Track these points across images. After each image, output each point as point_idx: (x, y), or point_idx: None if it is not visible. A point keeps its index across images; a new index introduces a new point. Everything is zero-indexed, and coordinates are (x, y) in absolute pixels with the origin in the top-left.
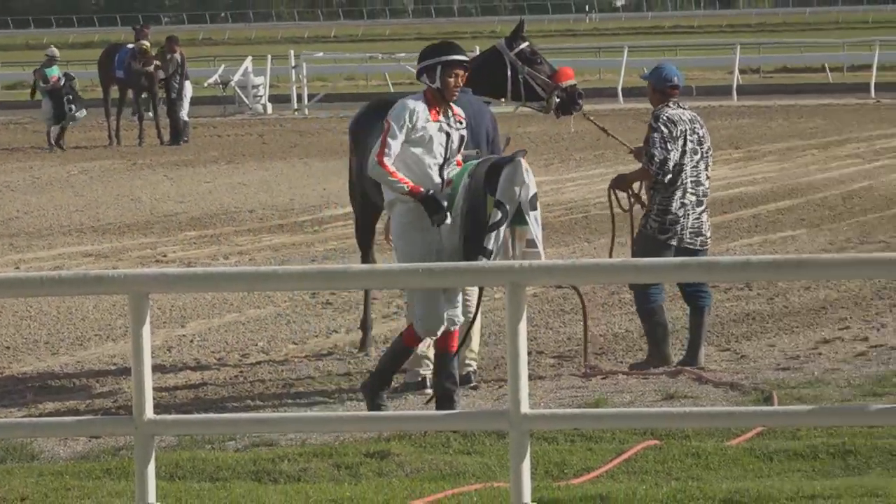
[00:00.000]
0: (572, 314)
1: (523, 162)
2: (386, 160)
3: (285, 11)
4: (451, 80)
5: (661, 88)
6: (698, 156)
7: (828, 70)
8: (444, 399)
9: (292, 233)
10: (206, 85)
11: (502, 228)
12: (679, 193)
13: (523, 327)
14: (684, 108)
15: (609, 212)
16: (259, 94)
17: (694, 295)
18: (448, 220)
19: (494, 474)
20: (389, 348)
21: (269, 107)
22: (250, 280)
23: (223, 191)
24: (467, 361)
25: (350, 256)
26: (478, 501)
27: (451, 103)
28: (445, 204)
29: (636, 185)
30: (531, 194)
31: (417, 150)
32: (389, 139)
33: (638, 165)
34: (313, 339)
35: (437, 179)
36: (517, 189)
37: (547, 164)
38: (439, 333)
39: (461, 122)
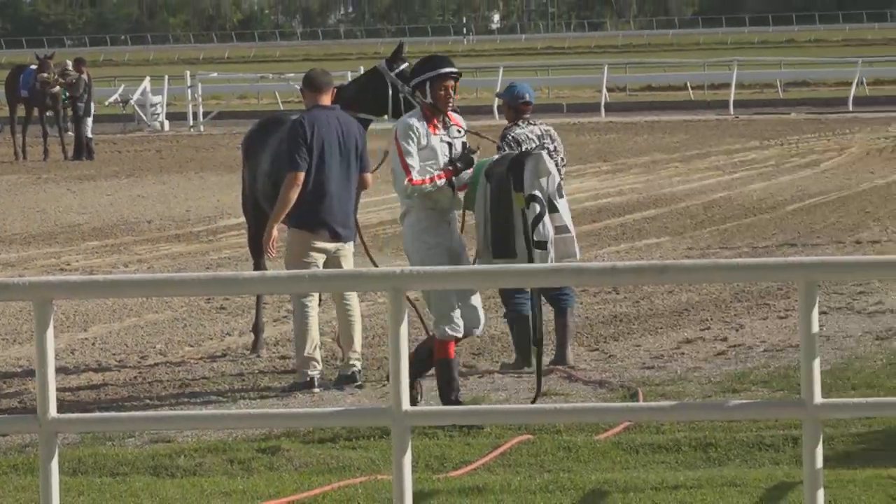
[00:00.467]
0: None
1: (544, 154)
2: (415, 177)
3: (182, 34)
4: (443, 92)
5: (513, 105)
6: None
7: (689, 88)
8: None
9: (188, 242)
10: (106, 104)
11: (546, 218)
12: None
13: (405, 329)
14: (535, 125)
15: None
16: (157, 111)
17: (557, 298)
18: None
19: (378, 468)
20: (437, 373)
21: (167, 124)
22: (149, 287)
23: (123, 203)
24: (351, 362)
25: (243, 264)
26: (362, 493)
27: (450, 112)
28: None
29: None
30: (557, 183)
31: (424, 163)
32: (408, 160)
33: None
34: (208, 342)
35: (448, 188)
36: (544, 180)
37: None
38: (460, 336)
39: (460, 130)
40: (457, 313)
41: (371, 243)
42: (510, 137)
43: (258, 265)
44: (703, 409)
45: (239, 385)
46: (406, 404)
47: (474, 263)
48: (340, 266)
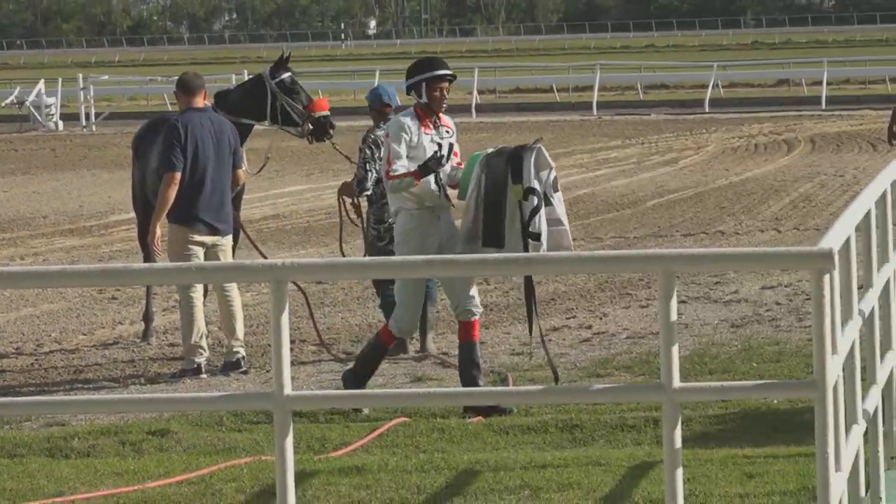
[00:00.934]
0: (332, 307)
1: (542, 147)
2: (392, 174)
3: (75, 39)
4: (437, 93)
5: (376, 107)
6: None
7: (555, 90)
8: (471, 386)
9: (82, 236)
10: (3, 105)
11: (542, 211)
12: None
13: (286, 318)
14: None
15: (341, 216)
16: (51, 112)
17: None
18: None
19: (262, 449)
20: (368, 345)
21: (61, 124)
22: (44, 278)
23: (19, 199)
24: (235, 349)
25: (133, 257)
26: (247, 473)
27: (440, 114)
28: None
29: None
30: (553, 177)
31: (412, 162)
32: (393, 158)
33: None
34: (100, 330)
35: (434, 186)
36: (543, 173)
37: (308, 174)
38: (413, 335)
39: (449, 131)
40: (414, 314)
41: (255, 237)
42: (371, 139)
43: (147, 258)
44: (568, 392)
45: (130, 371)
46: (288, 389)
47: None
48: (219, 258)
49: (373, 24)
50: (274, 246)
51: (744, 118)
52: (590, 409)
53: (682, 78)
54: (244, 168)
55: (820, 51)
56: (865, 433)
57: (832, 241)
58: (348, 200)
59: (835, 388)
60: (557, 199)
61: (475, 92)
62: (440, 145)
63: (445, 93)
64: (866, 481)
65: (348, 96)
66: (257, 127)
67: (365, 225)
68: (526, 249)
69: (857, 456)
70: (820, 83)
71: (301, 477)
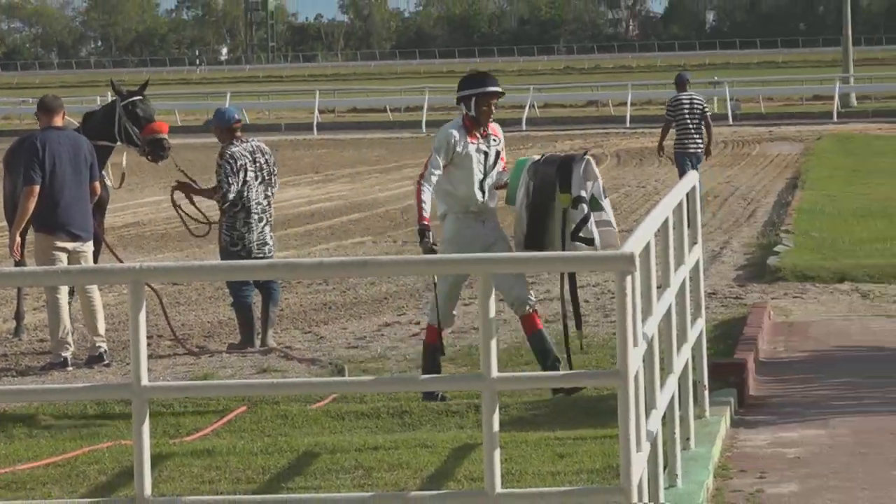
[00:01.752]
0: (186, 306)
1: (591, 159)
2: (424, 184)
3: None
4: (485, 108)
5: (225, 127)
6: (259, 181)
7: (388, 110)
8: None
9: None
10: None
11: (592, 217)
12: (243, 214)
13: (143, 316)
14: (246, 142)
15: (177, 211)
16: None
17: (268, 288)
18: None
19: (123, 434)
20: (423, 354)
21: None
22: None
23: None
24: (98, 344)
25: (6, 262)
26: (108, 456)
27: (489, 122)
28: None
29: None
30: (600, 185)
31: (459, 170)
32: (431, 167)
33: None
34: None
35: (478, 193)
36: (590, 183)
37: (165, 187)
38: (449, 330)
39: (497, 139)
40: (453, 310)
41: (117, 243)
42: (228, 154)
43: (18, 262)
44: (398, 382)
45: (3, 365)
46: (145, 380)
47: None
48: (80, 263)
49: (224, 51)
50: (134, 250)
51: (557, 135)
52: (418, 397)
53: (503, 99)
54: (108, 181)
55: (625, 75)
56: (663, 417)
57: (633, 245)
58: (184, 199)
59: (636, 377)
60: (607, 204)
61: (316, 112)
62: (486, 153)
63: (493, 108)
64: (664, 460)
65: (202, 116)
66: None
67: (218, 230)
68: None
69: (655, 437)
70: (625, 104)
71: (157, 459)
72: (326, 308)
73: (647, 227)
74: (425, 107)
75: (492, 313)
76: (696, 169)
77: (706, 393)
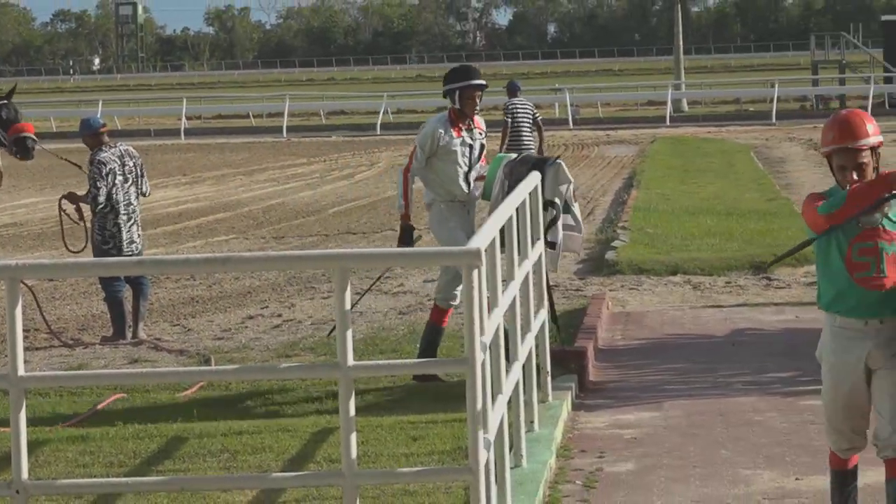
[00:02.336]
0: (61, 300)
1: (562, 163)
2: (410, 174)
3: None
4: (469, 100)
5: (93, 134)
6: (129, 184)
7: (251, 116)
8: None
9: None
10: None
11: (559, 222)
12: (113, 215)
13: (19, 311)
14: (115, 147)
15: (61, 220)
16: None
17: (138, 284)
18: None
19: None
20: (426, 331)
21: None
22: None
23: None
24: None
25: None
26: None
27: (475, 117)
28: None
29: (81, 204)
30: (573, 189)
31: (444, 162)
32: (415, 161)
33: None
34: None
35: (463, 184)
36: (563, 187)
37: (41, 188)
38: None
39: (481, 133)
40: (452, 290)
41: None
42: (97, 161)
43: None
44: (262, 370)
45: None
46: (21, 370)
47: None
48: None
49: (97, 61)
50: (12, 249)
51: (409, 139)
52: (280, 384)
53: (358, 106)
54: None
55: None
56: (509, 402)
57: (480, 241)
58: (71, 206)
59: (483, 365)
60: (576, 208)
61: (184, 118)
62: (471, 146)
63: (477, 100)
64: (510, 442)
65: (76, 122)
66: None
67: (90, 230)
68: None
69: (501, 420)
70: None
71: (34, 445)
72: (193, 302)
73: (491, 224)
74: (286, 113)
75: (347, 306)
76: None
77: (549, 379)
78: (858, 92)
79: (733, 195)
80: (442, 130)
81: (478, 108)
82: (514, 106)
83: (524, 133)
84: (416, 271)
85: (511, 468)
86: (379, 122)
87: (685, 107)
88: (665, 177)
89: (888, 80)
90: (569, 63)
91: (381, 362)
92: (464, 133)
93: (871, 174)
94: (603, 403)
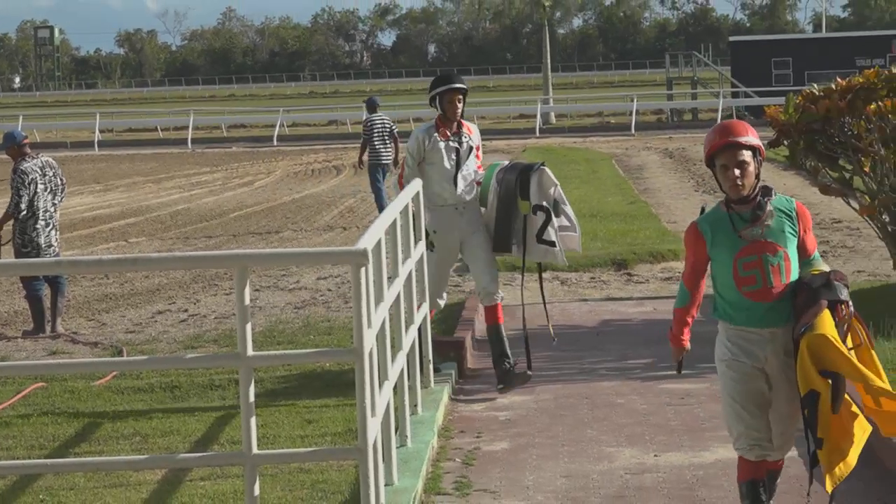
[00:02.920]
0: None
1: (546, 169)
2: (403, 181)
3: None
4: (450, 104)
5: (16, 146)
6: (48, 192)
7: (159, 130)
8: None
9: None
10: None
11: (551, 223)
12: (32, 221)
13: None
14: (36, 158)
15: None
16: None
17: (55, 282)
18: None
19: None
20: (491, 334)
21: None
22: None
23: None
24: None
25: None
26: None
27: (464, 121)
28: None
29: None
30: (559, 192)
31: (431, 166)
32: (406, 166)
33: None
34: None
35: (451, 186)
36: (550, 191)
37: None
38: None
39: (469, 136)
40: (442, 294)
41: None
42: (19, 170)
43: None
44: (169, 360)
45: None
46: None
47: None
48: None
49: (17, 79)
50: None
51: (303, 150)
52: (186, 374)
53: (256, 119)
54: None
55: (360, 97)
56: (394, 387)
57: (366, 242)
58: None
59: (370, 354)
60: (567, 209)
61: (97, 131)
62: (458, 149)
63: (458, 103)
64: (396, 424)
65: None
66: None
67: (12, 235)
68: (524, 255)
69: (388, 405)
70: (360, 122)
71: None
72: (107, 299)
73: (377, 226)
74: (190, 126)
75: (246, 301)
76: (384, 177)
77: (430, 366)
78: (709, 106)
79: (597, 199)
80: (426, 136)
81: (460, 111)
82: (371, 121)
83: (379, 146)
84: (310, 270)
85: (397, 448)
86: (276, 135)
87: (553, 119)
88: None
89: (735, 95)
90: None
91: (277, 353)
92: (450, 136)
93: (752, 180)
94: (480, 388)
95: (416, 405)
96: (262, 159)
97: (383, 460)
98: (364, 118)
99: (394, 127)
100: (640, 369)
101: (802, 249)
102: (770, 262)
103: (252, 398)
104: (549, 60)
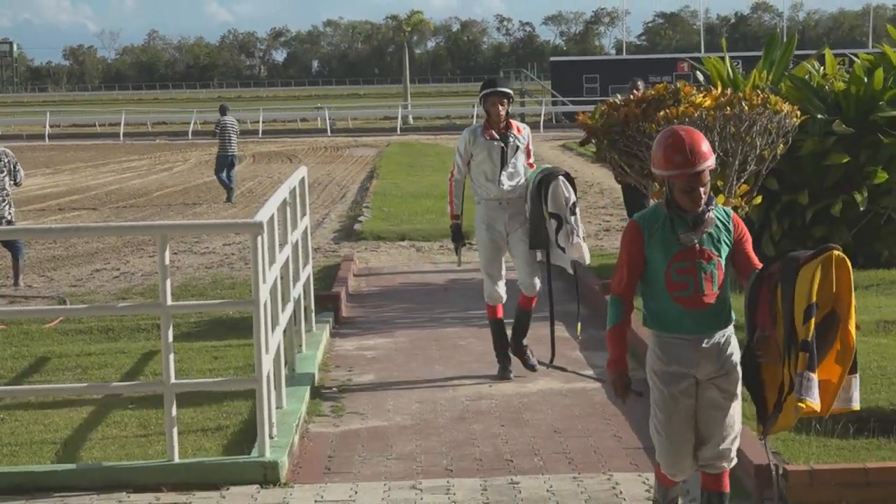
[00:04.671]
0: None
1: (561, 179)
2: (453, 182)
3: None
4: (492, 107)
5: None
6: (3, 174)
7: (97, 125)
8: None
9: None
10: None
11: (562, 230)
12: None
13: None
14: None
15: None
16: None
17: (14, 247)
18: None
19: None
20: (518, 315)
21: None
22: None
23: None
24: None
25: None
26: None
27: (515, 123)
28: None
29: None
30: (572, 202)
31: (478, 164)
32: (455, 167)
33: None
34: None
35: (496, 182)
36: (562, 200)
37: None
38: (500, 303)
39: (518, 136)
40: (496, 286)
41: None
42: None
43: None
44: (105, 308)
45: None
46: None
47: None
48: None
49: None
50: None
51: (212, 143)
52: (118, 319)
53: (176, 118)
54: None
55: (259, 102)
56: (284, 331)
57: (262, 216)
58: None
59: (265, 304)
60: (573, 220)
61: (48, 126)
62: (503, 148)
63: (500, 106)
64: (286, 360)
65: None
66: None
67: None
68: (549, 253)
69: (279, 344)
70: (258, 122)
71: None
72: (55, 259)
73: (271, 203)
74: (122, 123)
75: (166, 262)
76: (233, 166)
77: (312, 314)
78: (534, 111)
79: (444, 183)
80: (472, 136)
81: (502, 113)
82: (223, 122)
83: (227, 142)
84: (217, 238)
85: (286, 379)
86: (190, 130)
87: (411, 120)
88: (396, 171)
89: (554, 104)
90: (328, 88)
91: (191, 303)
92: (496, 136)
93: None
94: (352, 333)
95: (301, 345)
96: (180, 150)
97: (275, 388)
98: (217, 119)
99: (237, 126)
100: (477, 318)
101: (746, 262)
102: (703, 268)
103: (170, 339)
104: (408, 74)
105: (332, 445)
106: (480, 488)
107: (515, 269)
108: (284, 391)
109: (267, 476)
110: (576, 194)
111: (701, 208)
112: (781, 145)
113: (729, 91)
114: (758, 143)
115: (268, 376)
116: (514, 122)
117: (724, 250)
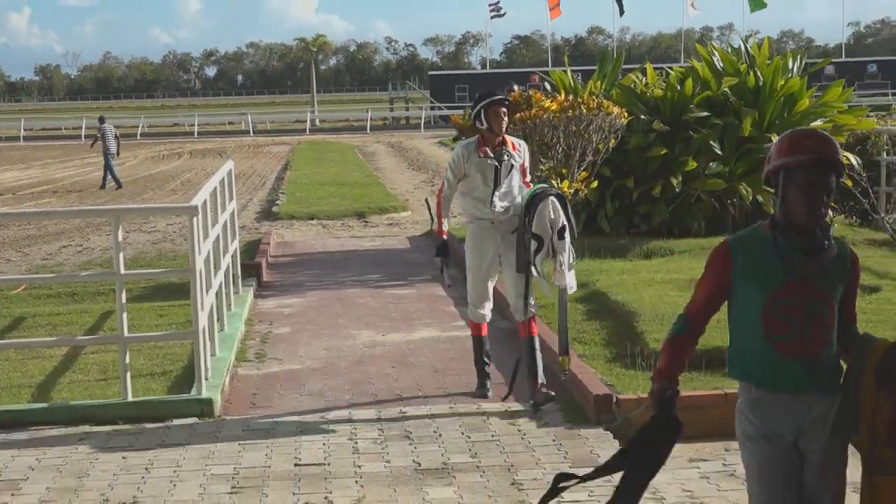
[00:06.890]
0: None
1: (549, 201)
2: (442, 197)
3: None
4: (495, 117)
5: None
6: None
7: (63, 129)
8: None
9: None
10: None
11: (541, 253)
12: None
13: None
14: None
15: None
16: None
17: None
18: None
19: None
20: (523, 351)
21: None
22: None
23: None
24: None
25: None
26: None
27: (507, 137)
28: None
29: None
30: (559, 226)
31: (470, 182)
32: (445, 182)
33: None
34: None
35: (489, 203)
36: (547, 222)
37: None
38: (484, 322)
39: (512, 153)
40: (481, 308)
41: None
42: None
43: None
44: (69, 277)
45: None
46: None
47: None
48: None
49: None
50: None
51: (157, 143)
52: (82, 285)
53: (127, 122)
54: None
55: (194, 108)
56: (217, 293)
57: (197, 200)
58: None
59: (200, 272)
60: (560, 245)
61: (22, 129)
62: (497, 167)
63: (503, 116)
64: (217, 317)
65: None
66: None
67: None
68: (528, 277)
69: (212, 304)
70: (194, 125)
71: None
72: (29, 238)
73: (205, 189)
74: (84, 127)
75: (120, 239)
76: (113, 159)
77: (239, 280)
78: (417, 115)
79: (345, 174)
80: (466, 154)
81: (506, 123)
82: (104, 129)
83: (109, 143)
84: (162, 219)
85: (218, 332)
86: (139, 132)
87: (318, 123)
88: (306, 163)
89: (432, 109)
90: (250, 98)
91: (141, 271)
92: (491, 154)
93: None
94: (272, 294)
95: (230, 305)
96: (130, 149)
97: (209, 339)
98: (98, 126)
99: (118, 133)
100: (373, 281)
101: (848, 314)
102: (813, 310)
103: (124, 301)
104: (315, 85)
105: (256, 385)
106: (375, 417)
107: (508, 296)
108: (217, 342)
109: (203, 410)
110: (570, 219)
111: (821, 224)
112: (613, 140)
113: (571, 97)
114: (594, 139)
115: (203, 330)
116: (510, 139)
117: (839, 292)
